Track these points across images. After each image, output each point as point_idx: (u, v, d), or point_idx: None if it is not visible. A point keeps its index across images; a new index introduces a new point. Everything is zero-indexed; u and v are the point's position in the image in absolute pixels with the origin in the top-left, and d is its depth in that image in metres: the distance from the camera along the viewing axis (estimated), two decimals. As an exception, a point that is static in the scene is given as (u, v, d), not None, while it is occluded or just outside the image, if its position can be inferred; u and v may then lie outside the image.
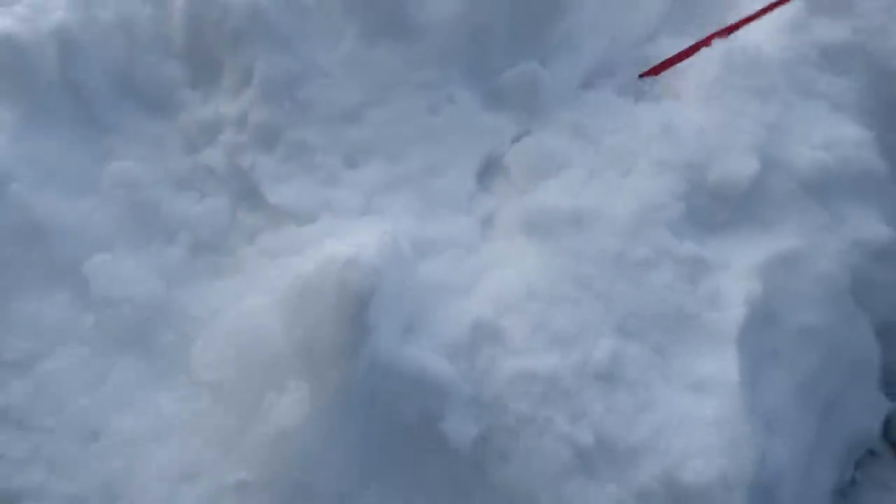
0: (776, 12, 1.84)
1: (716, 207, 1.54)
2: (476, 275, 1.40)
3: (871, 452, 1.96)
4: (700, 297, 1.41)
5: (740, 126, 1.60)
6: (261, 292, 1.28)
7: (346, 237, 1.24)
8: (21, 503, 1.17)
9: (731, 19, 1.87)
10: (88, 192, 1.47)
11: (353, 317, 1.12)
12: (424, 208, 1.49)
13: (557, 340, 1.30)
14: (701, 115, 1.63)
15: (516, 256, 1.42)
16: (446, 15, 1.63)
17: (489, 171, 1.61)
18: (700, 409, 1.26)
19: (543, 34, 1.69)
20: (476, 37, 1.65)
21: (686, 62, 1.77)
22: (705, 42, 1.78)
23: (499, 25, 1.67)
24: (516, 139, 1.64)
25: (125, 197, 1.48)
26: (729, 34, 1.80)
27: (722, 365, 1.32)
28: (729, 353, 1.33)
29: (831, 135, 1.64)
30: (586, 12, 1.73)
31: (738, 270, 1.44)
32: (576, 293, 1.35)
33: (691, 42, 1.81)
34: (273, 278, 1.29)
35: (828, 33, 1.79)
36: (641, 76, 1.79)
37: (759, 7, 1.85)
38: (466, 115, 1.62)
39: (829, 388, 1.46)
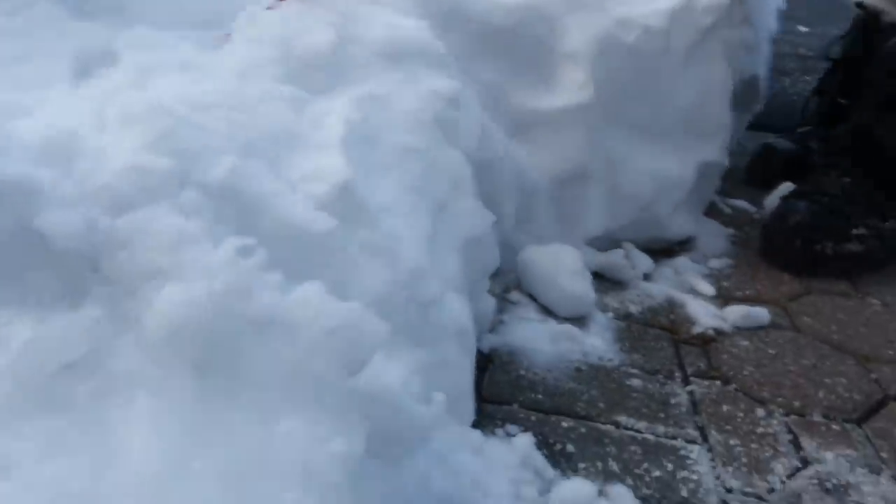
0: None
1: (309, 72, 1.76)
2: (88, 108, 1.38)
3: (512, 302, 2.33)
4: (305, 123, 1.58)
5: (318, 15, 1.88)
6: None
7: None
8: None
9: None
10: None
11: None
12: (13, 87, 1.44)
13: (181, 154, 1.33)
14: (283, 12, 1.88)
15: (132, 93, 1.43)
16: (14, -65, 1.67)
17: (88, 61, 1.63)
18: (315, 187, 1.40)
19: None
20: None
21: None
22: None
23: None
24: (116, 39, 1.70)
25: None
26: None
27: (330, 161, 1.48)
28: (334, 154, 1.51)
29: (395, 22, 2.01)
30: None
31: (335, 106, 1.66)
32: (202, 115, 1.42)
33: None
34: None
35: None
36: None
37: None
38: (53, 21, 1.64)
39: (435, 193, 1.72)
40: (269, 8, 1.90)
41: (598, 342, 2.22)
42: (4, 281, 1.11)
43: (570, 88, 2.41)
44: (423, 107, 1.84)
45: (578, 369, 2.08)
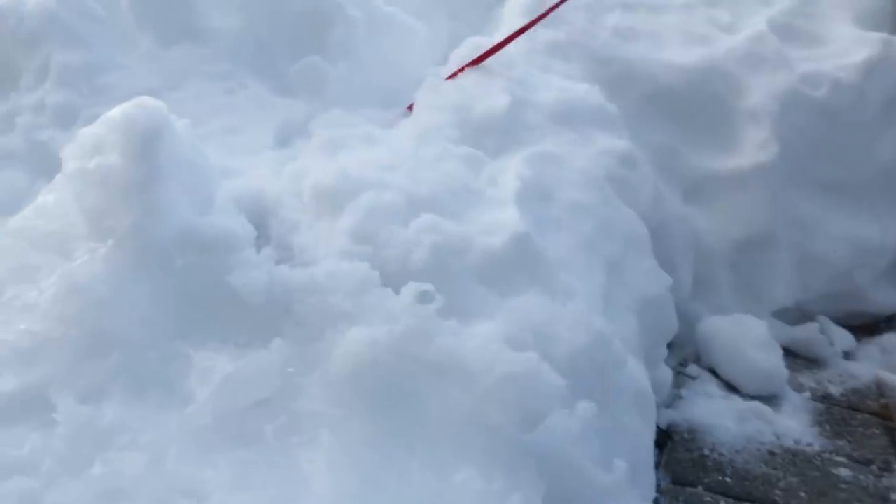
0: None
1: (483, 135, 1.80)
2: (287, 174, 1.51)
3: (690, 377, 2.15)
4: (482, 180, 1.61)
5: (492, 82, 1.94)
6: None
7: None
8: None
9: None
10: None
11: (143, 153, 1.17)
12: (227, 153, 1.61)
13: (364, 215, 1.41)
14: (461, 80, 1.96)
15: (323, 163, 1.55)
16: (230, 26, 1.92)
17: (288, 133, 1.79)
18: (493, 239, 1.40)
19: (321, 43, 2.00)
20: (261, 44, 1.93)
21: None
22: (485, 56, 2.07)
23: (280, 35, 1.96)
24: (312, 117, 1.86)
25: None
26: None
27: (506, 215, 1.49)
28: (510, 209, 1.51)
29: (566, 87, 2.03)
30: (357, 30, 2.08)
31: (509, 164, 1.68)
32: (384, 176, 1.50)
33: None
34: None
35: (549, 36, 2.27)
36: (448, 78, 2.00)
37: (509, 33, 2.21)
38: (261, 98, 1.83)
39: (608, 250, 1.66)
40: (448, 78, 1.98)
41: (792, 424, 1.96)
42: (207, 322, 1.20)
43: (752, 148, 2.27)
44: (595, 165, 1.81)
45: (771, 452, 1.84)
